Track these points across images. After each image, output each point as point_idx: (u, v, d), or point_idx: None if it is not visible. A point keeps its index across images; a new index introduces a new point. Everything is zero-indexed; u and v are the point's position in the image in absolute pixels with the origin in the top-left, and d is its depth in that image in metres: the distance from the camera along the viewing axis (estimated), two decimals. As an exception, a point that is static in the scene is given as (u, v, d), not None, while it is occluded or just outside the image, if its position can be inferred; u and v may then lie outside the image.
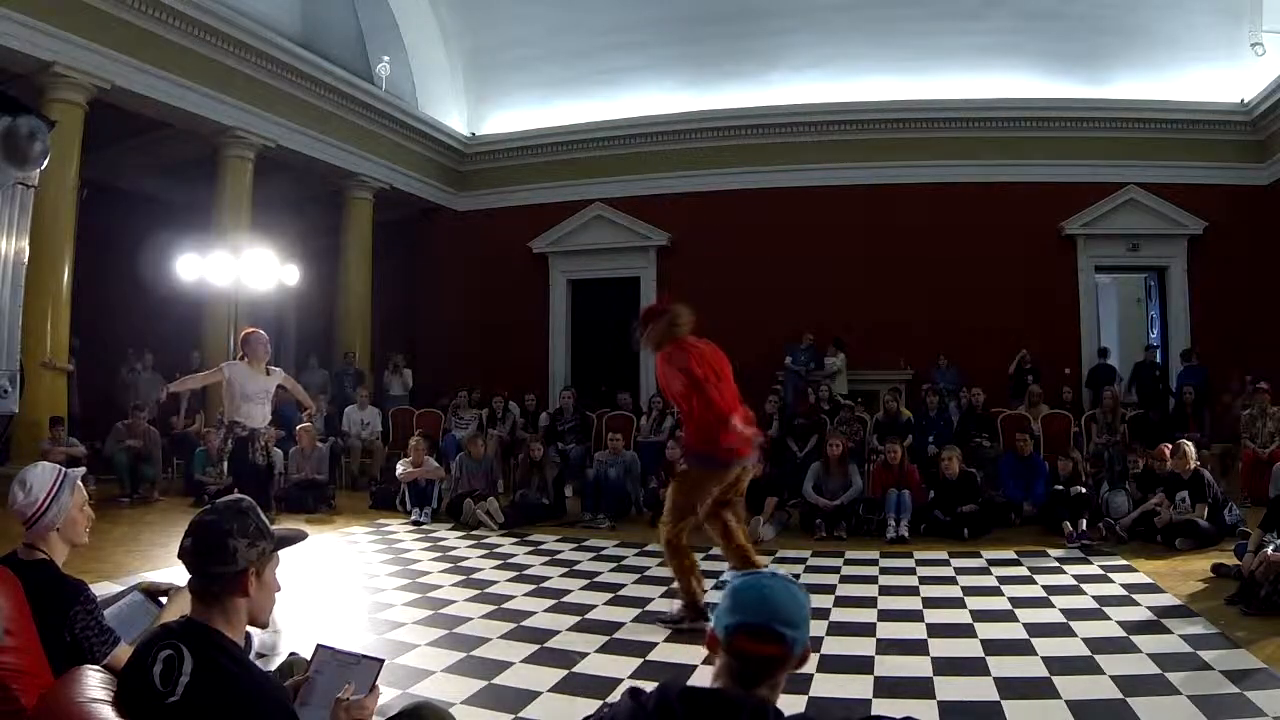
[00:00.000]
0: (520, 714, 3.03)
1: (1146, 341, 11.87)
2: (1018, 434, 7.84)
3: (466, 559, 5.87)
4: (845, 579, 5.27)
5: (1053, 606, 4.47)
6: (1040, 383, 9.70)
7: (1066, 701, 3.06)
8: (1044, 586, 4.93)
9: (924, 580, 5.17)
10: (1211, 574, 4.97)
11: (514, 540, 6.53)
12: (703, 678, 3.58)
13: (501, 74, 12.89)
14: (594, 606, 4.56)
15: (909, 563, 5.70)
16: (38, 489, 2.15)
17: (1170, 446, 6.45)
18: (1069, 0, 10.76)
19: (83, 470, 2.35)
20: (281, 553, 1.74)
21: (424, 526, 7.11)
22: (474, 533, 6.83)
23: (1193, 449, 6.36)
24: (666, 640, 3.94)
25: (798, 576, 5.26)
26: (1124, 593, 4.73)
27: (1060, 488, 6.68)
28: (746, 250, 11.51)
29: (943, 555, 5.89)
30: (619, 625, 4.20)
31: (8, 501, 2.18)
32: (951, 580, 5.19)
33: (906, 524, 6.48)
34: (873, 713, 3.04)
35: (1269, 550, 4.31)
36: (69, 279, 7.96)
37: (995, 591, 4.88)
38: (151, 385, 10.32)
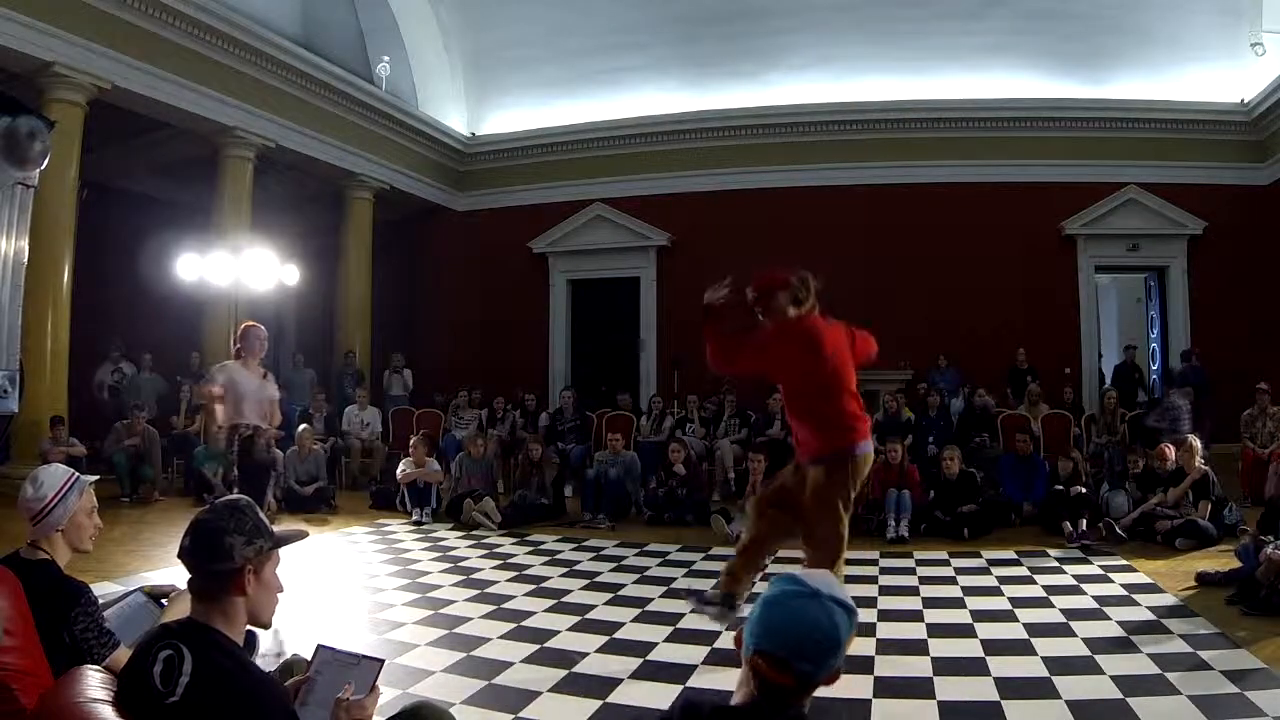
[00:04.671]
0: (520, 714, 3.03)
1: (1148, 341, 11.87)
2: (1018, 434, 7.85)
3: (466, 559, 5.87)
4: (845, 579, 5.24)
5: (1053, 606, 4.47)
6: (1039, 381, 9.70)
7: (1066, 701, 3.06)
8: (1044, 586, 4.93)
9: (924, 580, 5.17)
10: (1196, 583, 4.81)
11: (514, 540, 6.53)
12: (702, 679, 3.56)
13: (501, 74, 12.89)
14: (594, 606, 4.56)
15: (909, 563, 5.70)
16: (47, 487, 2.18)
17: (1173, 445, 6.45)
18: (1069, 0, 10.76)
19: (95, 477, 2.36)
20: (282, 552, 1.73)
21: (424, 526, 7.11)
22: (474, 533, 6.83)
23: (1199, 445, 6.35)
24: (667, 640, 3.94)
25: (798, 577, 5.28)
26: (1124, 593, 4.73)
27: (1060, 488, 6.68)
28: (746, 250, 11.38)
29: (943, 555, 5.89)
30: (619, 625, 4.20)
31: (18, 496, 2.20)
32: (951, 580, 5.19)
33: (907, 524, 6.47)
34: (872, 712, 3.04)
35: (1269, 550, 4.31)
36: (69, 279, 7.95)
37: (995, 591, 4.88)
38: (151, 386, 10.32)
